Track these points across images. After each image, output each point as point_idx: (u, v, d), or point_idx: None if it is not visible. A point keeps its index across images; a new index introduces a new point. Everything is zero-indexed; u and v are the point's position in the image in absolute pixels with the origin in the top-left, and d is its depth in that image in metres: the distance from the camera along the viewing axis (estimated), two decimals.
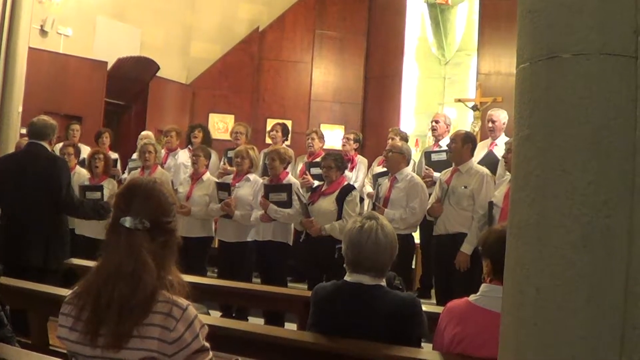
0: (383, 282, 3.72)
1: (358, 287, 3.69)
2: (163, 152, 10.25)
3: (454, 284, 7.32)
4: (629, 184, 1.67)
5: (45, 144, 7.01)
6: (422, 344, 3.87)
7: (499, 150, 8.69)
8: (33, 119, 7.21)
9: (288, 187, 8.10)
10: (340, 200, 7.74)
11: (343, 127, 14.13)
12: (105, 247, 2.80)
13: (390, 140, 9.52)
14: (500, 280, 3.43)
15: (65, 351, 3.19)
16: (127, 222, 2.72)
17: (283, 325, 7.46)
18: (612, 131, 1.66)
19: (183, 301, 2.71)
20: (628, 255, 1.64)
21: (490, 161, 8.41)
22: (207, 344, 2.75)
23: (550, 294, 1.67)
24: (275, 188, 8.15)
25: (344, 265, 3.83)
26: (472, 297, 3.54)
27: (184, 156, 10.59)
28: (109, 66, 12.39)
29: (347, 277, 3.77)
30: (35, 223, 6.80)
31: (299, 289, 7.93)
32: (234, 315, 8.09)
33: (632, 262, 1.66)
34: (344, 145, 10.14)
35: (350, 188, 7.94)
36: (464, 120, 13.73)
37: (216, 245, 8.91)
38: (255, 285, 7.59)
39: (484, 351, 3.35)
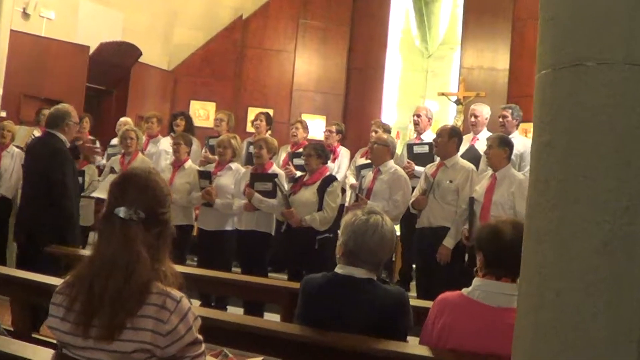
0: (374, 277, 3.71)
1: (349, 279, 3.68)
2: (144, 138, 10.18)
3: (435, 278, 7.33)
4: None
5: (58, 132, 7.01)
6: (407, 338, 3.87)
7: (481, 145, 8.71)
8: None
9: (273, 177, 8.07)
10: (322, 191, 7.73)
11: (324, 117, 14.15)
12: (98, 237, 2.77)
13: (373, 133, 9.50)
14: (493, 275, 3.47)
15: (49, 340, 3.16)
16: (122, 212, 2.69)
17: (262, 315, 7.45)
18: (635, 139, 1.67)
19: (177, 293, 2.69)
20: None
21: (472, 156, 8.42)
22: (200, 337, 2.74)
23: (570, 298, 1.69)
24: (262, 177, 8.12)
25: (338, 256, 3.80)
26: (465, 290, 3.54)
27: (165, 143, 10.51)
28: (91, 51, 12.29)
29: (338, 269, 3.74)
30: (38, 209, 6.90)
31: (279, 279, 7.93)
32: (213, 304, 8.06)
33: None
34: (326, 138, 10.12)
35: (331, 179, 7.94)
36: (446, 114, 13.79)
37: (194, 234, 8.88)
38: (238, 275, 7.55)
39: (477, 345, 3.35)
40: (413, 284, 8.24)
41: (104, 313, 2.59)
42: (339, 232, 3.95)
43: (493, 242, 3.54)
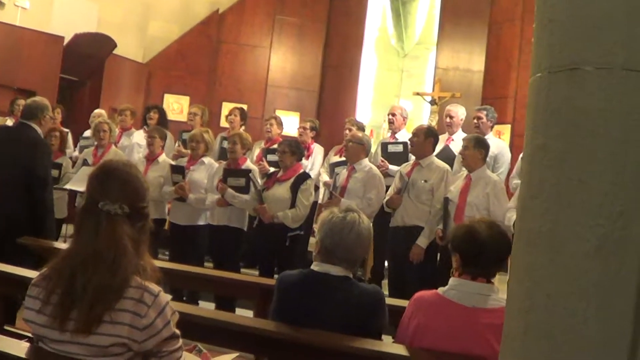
0: (351, 275, 3.71)
1: (325, 277, 3.67)
2: (117, 131, 10.12)
3: (408, 276, 7.36)
4: None
5: (34, 124, 6.97)
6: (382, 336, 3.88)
7: (456, 146, 8.77)
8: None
9: (247, 173, 8.05)
10: (295, 188, 7.73)
11: (298, 114, 14.15)
12: (79, 230, 2.75)
13: (347, 131, 9.51)
14: (469, 274, 3.49)
15: (24, 333, 3.13)
16: (108, 206, 2.67)
17: (234, 311, 7.44)
18: (631, 145, 1.68)
19: (155, 287, 2.68)
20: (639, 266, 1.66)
21: (446, 156, 8.46)
22: (177, 331, 2.74)
23: (562, 301, 1.70)
24: (235, 173, 8.10)
25: (314, 254, 3.79)
26: (441, 290, 3.56)
27: (138, 136, 10.48)
28: (66, 41, 12.18)
29: (314, 267, 3.73)
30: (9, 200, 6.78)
31: (250, 274, 7.92)
32: (184, 298, 8.03)
33: None
34: (300, 135, 10.10)
35: (305, 176, 7.95)
36: (420, 114, 13.85)
37: (166, 227, 8.84)
38: (211, 270, 7.52)
39: (452, 344, 3.38)
40: (385, 282, 8.26)
41: (83, 306, 2.57)
42: (315, 229, 3.94)
43: (469, 242, 3.56)
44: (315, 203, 8.59)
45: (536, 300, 1.73)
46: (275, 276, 7.60)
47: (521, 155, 7.58)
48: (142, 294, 2.62)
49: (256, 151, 9.99)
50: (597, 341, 1.66)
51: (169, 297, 2.73)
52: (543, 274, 1.72)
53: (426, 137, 7.60)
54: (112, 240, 2.65)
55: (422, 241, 7.33)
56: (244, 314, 6.46)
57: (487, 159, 7.43)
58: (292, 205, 7.69)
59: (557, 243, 1.71)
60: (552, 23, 1.76)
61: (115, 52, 13.25)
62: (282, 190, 7.76)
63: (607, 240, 1.67)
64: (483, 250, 3.49)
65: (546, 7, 1.79)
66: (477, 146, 7.10)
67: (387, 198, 7.68)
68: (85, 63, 12.95)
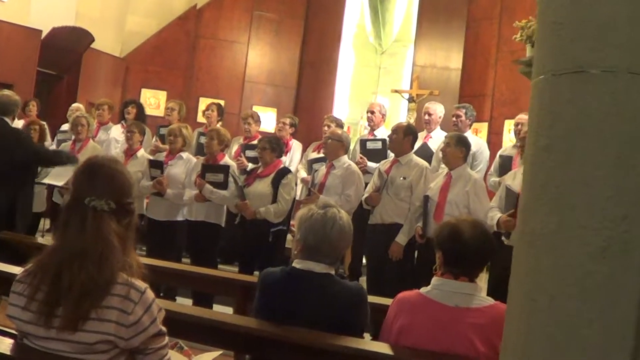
0: (333, 271, 3.70)
1: (308, 274, 3.65)
2: (95, 125, 10.06)
3: (386, 274, 7.38)
4: None
5: (8, 119, 7.13)
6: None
7: (434, 143, 8.82)
8: None
9: (225, 169, 8.03)
10: (276, 184, 7.74)
11: (275, 110, 14.19)
12: (64, 226, 2.72)
13: (326, 127, 9.50)
14: (451, 274, 3.49)
15: (7, 330, 3.10)
16: (95, 202, 2.66)
17: (211, 307, 7.42)
18: (635, 148, 1.69)
19: (141, 284, 2.68)
20: None
21: (424, 153, 8.50)
22: (164, 328, 2.72)
23: (566, 303, 1.70)
24: (213, 168, 8.08)
25: (295, 252, 3.78)
26: (423, 290, 3.55)
27: (116, 131, 10.44)
28: (44, 35, 12.10)
29: (296, 264, 3.71)
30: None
31: (228, 270, 7.91)
32: (161, 294, 8.00)
33: None
34: (279, 130, 10.09)
35: (286, 171, 7.96)
36: (397, 111, 13.87)
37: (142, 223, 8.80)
38: (191, 266, 7.48)
39: (434, 344, 3.38)
40: (362, 280, 8.27)
41: (69, 303, 2.55)
42: (294, 228, 3.92)
43: (452, 241, 3.56)
44: (293, 199, 8.59)
45: (539, 302, 1.73)
46: (256, 273, 7.65)
47: (499, 152, 7.61)
48: (129, 291, 2.61)
49: (234, 147, 9.96)
50: (601, 343, 1.67)
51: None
52: (546, 275, 1.73)
53: (405, 135, 7.63)
54: (98, 237, 2.64)
55: (401, 238, 7.35)
56: (222, 311, 6.44)
57: None
58: (274, 200, 7.69)
59: (561, 245, 1.71)
60: (555, 25, 1.76)
61: (93, 46, 13.18)
62: (262, 186, 7.76)
63: (611, 242, 1.68)
64: (466, 249, 3.50)
65: (549, 9, 1.79)
66: (459, 144, 7.12)
67: (365, 195, 7.69)
68: (62, 57, 12.86)
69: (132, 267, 2.70)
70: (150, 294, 2.67)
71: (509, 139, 10.78)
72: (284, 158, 9.17)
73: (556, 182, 1.73)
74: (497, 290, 5.26)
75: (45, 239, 7.91)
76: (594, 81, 1.71)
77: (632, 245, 1.68)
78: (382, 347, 3.51)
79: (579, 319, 1.68)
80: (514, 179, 6.47)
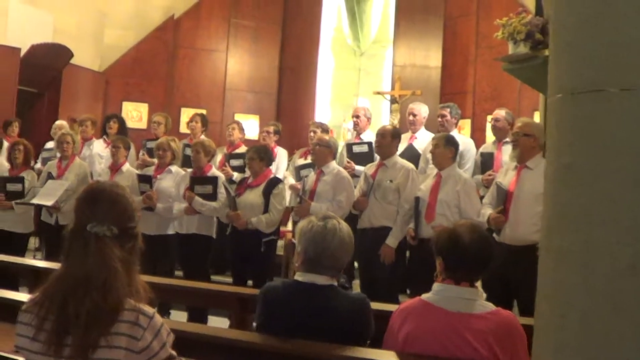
0: (335, 283, 3.70)
1: (311, 287, 3.65)
2: (79, 142, 10.01)
3: (378, 277, 7.39)
4: None
5: None
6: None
7: (419, 144, 8.83)
8: None
9: (214, 180, 8.03)
10: (267, 193, 7.71)
11: (258, 117, 14.20)
12: (68, 254, 2.71)
13: (312, 134, 9.49)
14: (452, 279, 3.49)
15: (13, 358, 3.08)
16: (97, 228, 2.64)
17: (207, 321, 7.42)
18: None
19: (149, 309, 2.67)
20: None
21: (410, 154, 8.52)
22: (174, 352, 2.72)
23: (597, 319, 1.70)
24: (202, 180, 8.07)
25: (297, 264, 3.77)
26: (425, 296, 3.55)
27: (99, 146, 10.42)
28: (22, 53, 12.00)
29: (298, 277, 3.71)
30: None
31: (221, 281, 7.90)
32: (156, 309, 7.95)
33: None
34: (264, 139, 10.08)
35: (276, 181, 7.94)
36: (379, 112, 13.86)
37: None
38: (186, 281, 7.44)
39: (439, 350, 3.38)
40: (356, 283, 8.26)
41: (77, 332, 2.53)
42: (295, 240, 3.91)
43: (452, 246, 3.56)
44: None
45: (569, 318, 1.74)
46: (249, 282, 7.63)
47: (480, 149, 7.64)
48: (137, 317, 2.60)
49: (219, 157, 9.93)
50: (634, 358, 1.67)
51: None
52: (576, 292, 1.74)
53: (393, 138, 7.67)
54: (101, 263, 2.62)
55: (392, 241, 7.36)
56: (217, 323, 6.43)
57: None
58: (265, 210, 7.67)
59: (590, 262, 1.73)
60: (570, 47, 1.77)
61: (72, 61, 13.09)
62: (253, 196, 7.73)
63: (639, 258, 1.69)
64: (466, 254, 3.50)
65: (565, 30, 1.80)
66: (447, 145, 7.14)
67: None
68: (42, 74, 12.80)
69: (139, 292, 2.69)
70: (158, 318, 2.67)
71: (491, 135, 10.83)
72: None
73: (582, 200, 1.74)
74: (492, 288, 5.31)
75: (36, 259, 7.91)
76: (614, 100, 1.72)
77: None
78: (390, 356, 3.51)
79: (610, 335, 1.68)
80: (505, 176, 6.50)
